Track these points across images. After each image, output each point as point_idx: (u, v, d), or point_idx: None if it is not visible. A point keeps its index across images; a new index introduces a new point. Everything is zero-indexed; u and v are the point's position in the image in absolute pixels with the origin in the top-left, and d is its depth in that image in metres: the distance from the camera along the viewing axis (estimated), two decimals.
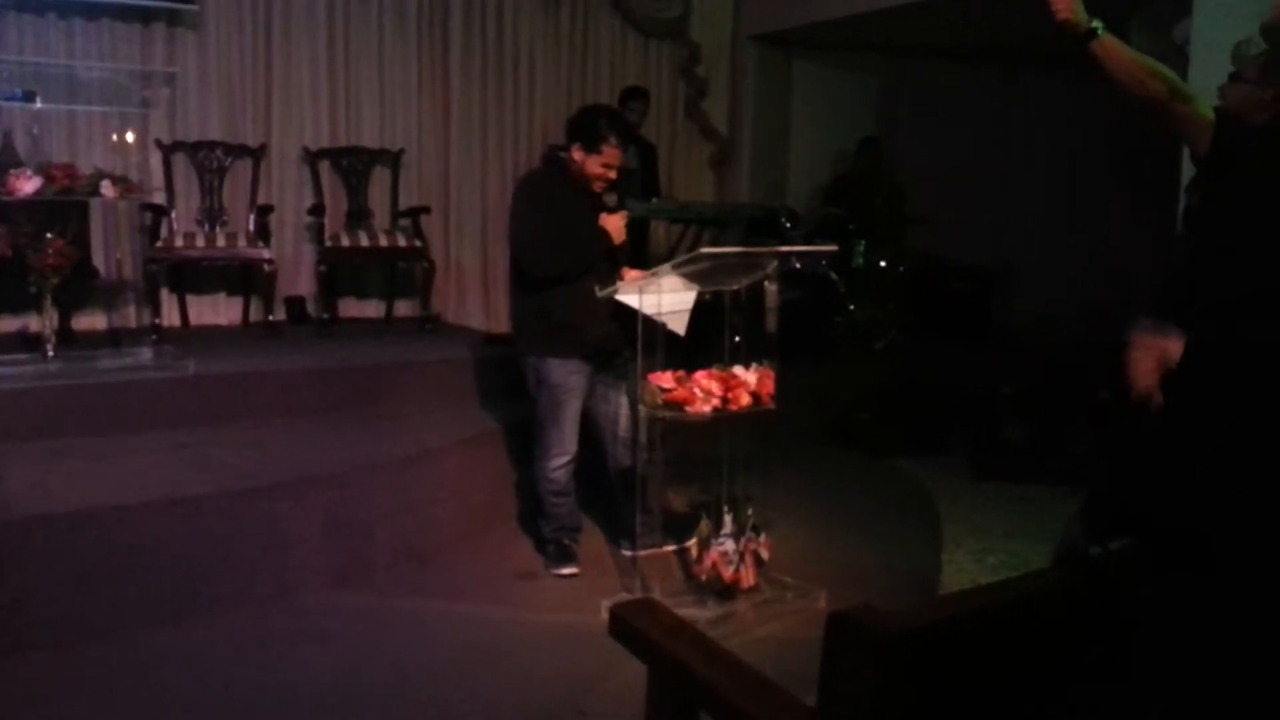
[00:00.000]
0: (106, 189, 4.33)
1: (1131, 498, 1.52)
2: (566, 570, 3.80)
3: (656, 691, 1.79)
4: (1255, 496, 1.20)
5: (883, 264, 6.74)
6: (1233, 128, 1.84)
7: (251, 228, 5.64)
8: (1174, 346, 1.67)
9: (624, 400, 3.82)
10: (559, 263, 3.61)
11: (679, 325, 3.62)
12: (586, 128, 3.66)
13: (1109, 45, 1.98)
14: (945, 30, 6.93)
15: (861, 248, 6.67)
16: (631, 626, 1.80)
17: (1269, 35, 1.40)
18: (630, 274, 3.61)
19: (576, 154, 3.66)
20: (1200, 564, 1.23)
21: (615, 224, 3.69)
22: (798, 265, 3.85)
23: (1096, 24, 1.99)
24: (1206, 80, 3.32)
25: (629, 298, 3.47)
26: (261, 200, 5.76)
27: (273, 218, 5.72)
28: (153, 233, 5.28)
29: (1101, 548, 1.50)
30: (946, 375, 5.98)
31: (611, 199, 3.79)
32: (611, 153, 3.63)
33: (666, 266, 3.41)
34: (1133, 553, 1.43)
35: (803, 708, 1.54)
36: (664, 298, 3.45)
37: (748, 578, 3.44)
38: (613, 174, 3.69)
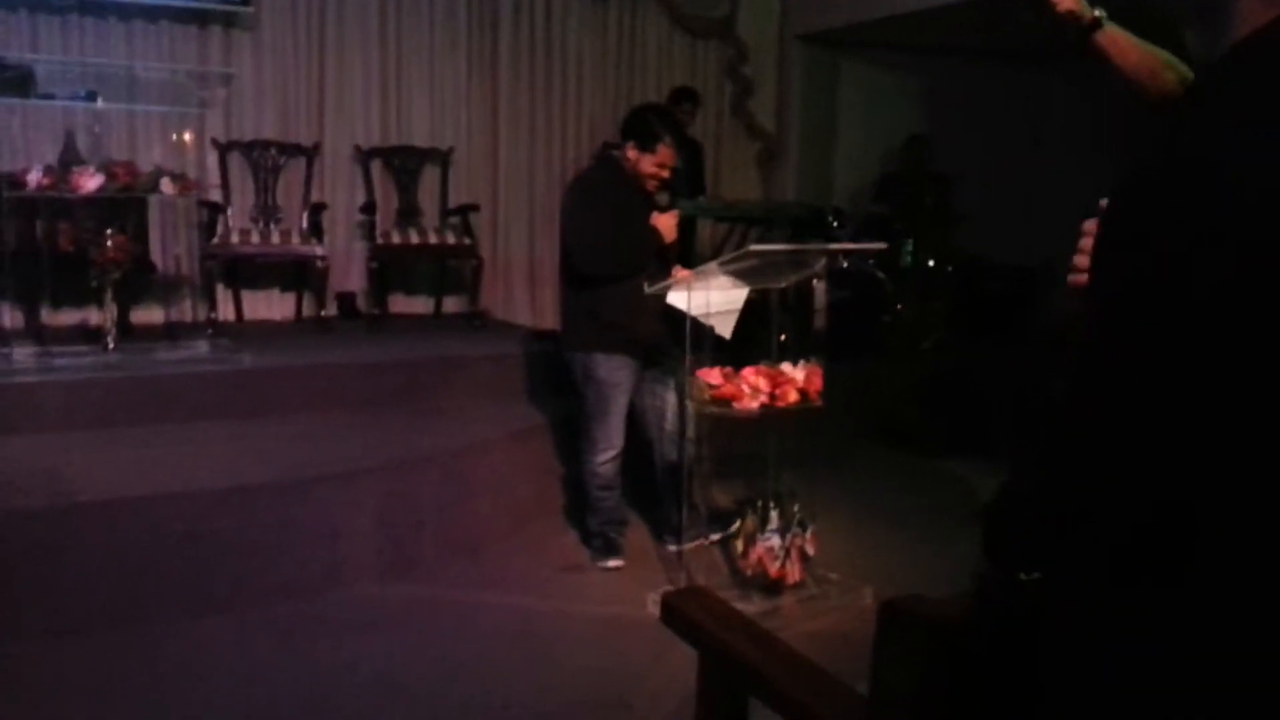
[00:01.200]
0: (166, 186, 4.42)
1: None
2: (612, 563, 3.83)
3: (707, 678, 1.80)
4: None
5: (930, 263, 6.69)
6: None
7: (305, 225, 5.74)
8: None
9: (671, 396, 3.84)
10: (614, 262, 3.64)
11: (725, 327, 3.63)
12: (641, 127, 3.69)
13: (1115, 37, 1.87)
14: (988, 30, 6.85)
15: (909, 246, 6.63)
16: (683, 613, 1.81)
17: None
18: (681, 273, 3.63)
19: (630, 153, 3.68)
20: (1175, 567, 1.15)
21: (667, 223, 3.71)
22: (845, 264, 3.85)
23: (1100, 13, 1.89)
24: None
25: (678, 299, 3.48)
26: (314, 198, 5.85)
27: (325, 215, 5.81)
28: (209, 229, 5.39)
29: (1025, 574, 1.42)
30: (992, 375, 5.92)
31: (664, 198, 3.81)
32: (665, 152, 3.65)
33: (714, 264, 3.42)
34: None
35: (855, 695, 1.54)
36: (713, 296, 3.46)
37: (793, 573, 3.44)
38: (666, 173, 3.71)
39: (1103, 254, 1.02)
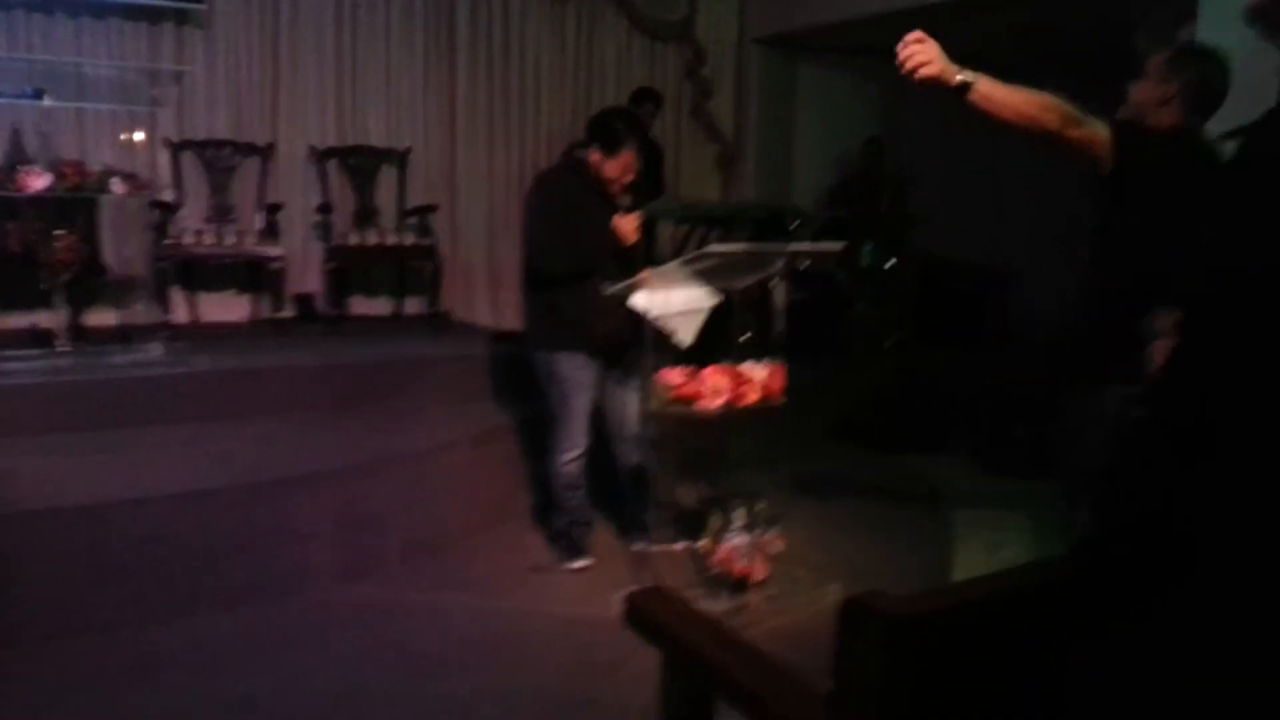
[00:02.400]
0: (116, 186, 4.36)
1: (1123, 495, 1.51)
2: (578, 563, 3.82)
3: (670, 678, 1.80)
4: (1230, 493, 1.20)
5: (889, 264, 6.76)
6: (1132, 133, 1.82)
7: (260, 225, 5.67)
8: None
9: (633, 396, 3.84)
10: (572, 262, 3.63)
11: (686, 331, 3.63)
12: (606, 131, 3.69)
13: (986, 91, 1.91)
14: (946, 34, 6.93)
15: (868, 247, 6.69)
16: (646, 613, 1.81)
17: (1252, 18, 1.39)
18: (649, 275, 3.62)
19: (594, 156, 3.68)
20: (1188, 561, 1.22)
21: (628, 225, 3.71)
22: (805, 264, 3.87)
23: (965, 77, 1.91)
24: None
25: (640, 300, 3.48)
26: (270, 198, 5.78)
27: (281, 216, 5.74)
28: (161, 230, 5.30)
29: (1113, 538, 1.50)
30: (953, 373, 6.00)
31: (626, 201, 3.82)
32: (629, 157, 3.66)
33: (676, 263, 3.43)
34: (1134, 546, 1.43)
35: (816, 693, 1.55)
36: (675, 297, 3.46)
37: (759, 571, 3.46)
38: (629, 176, 3.72)
39: None
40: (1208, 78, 2.65)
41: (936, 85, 1.86)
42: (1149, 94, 2.67)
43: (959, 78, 1.86)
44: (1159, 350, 2.44)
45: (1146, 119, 2.60)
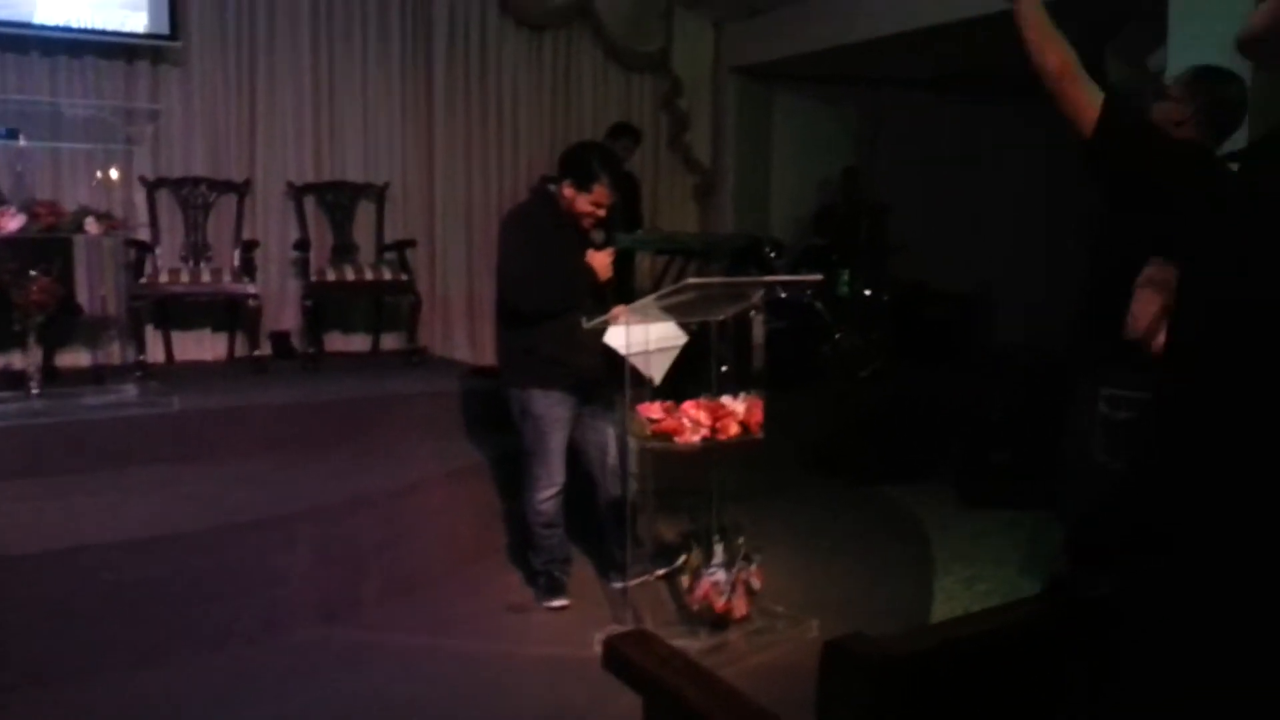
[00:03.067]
0: (91, 226, 4.32)
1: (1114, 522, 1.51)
2: (557, 603, 3.78)
3: None
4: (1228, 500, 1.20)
5: (867, 292, 6.79)
6: (1119, 110, 1.84)
7: (236, 263, 5.64)
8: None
9: (612, 431, 3.82)
10: (544, 298, 3.62)
11: (659, 370, 3.63)
12: (578, 165, 3.68)
13: (1025, 9, 1.99)
14: (921, 62, 7.03)
15: (846, 276, 6.72)
16: (625, 657, 1.79)
17: (1245, 49, 1.42)
18: (622, 311, 3.62)
19: (567, 190, 3.68)
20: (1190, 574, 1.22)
21: (602, 260, 3.70)
22: (783, 295, 3.88)
23: None
24: None
25: (615, 338, 3.47)
26: (246, 235, 5.76)
27: (258, 253, 5.71)
28: (137, 269, 5.27)
29: (1092, 579, 1.50)
30: (931, 401, 6.01)
31: (599, 236, 3.82)
32: (601, 192, 3.65)
33: (651, 298, 3.42)
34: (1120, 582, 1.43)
35: None
36: (651, 332, 3.46)
37: (740, 608, 3.43)
38: (602, 212, 3.71)
39: None
40: (1224, 99, 2.70)
41: None
42: (1166, 115, 2.71)
43: None
44: (1138, 307, 2.44)
45: None
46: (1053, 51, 1.91)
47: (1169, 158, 1.83)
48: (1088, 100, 1.87)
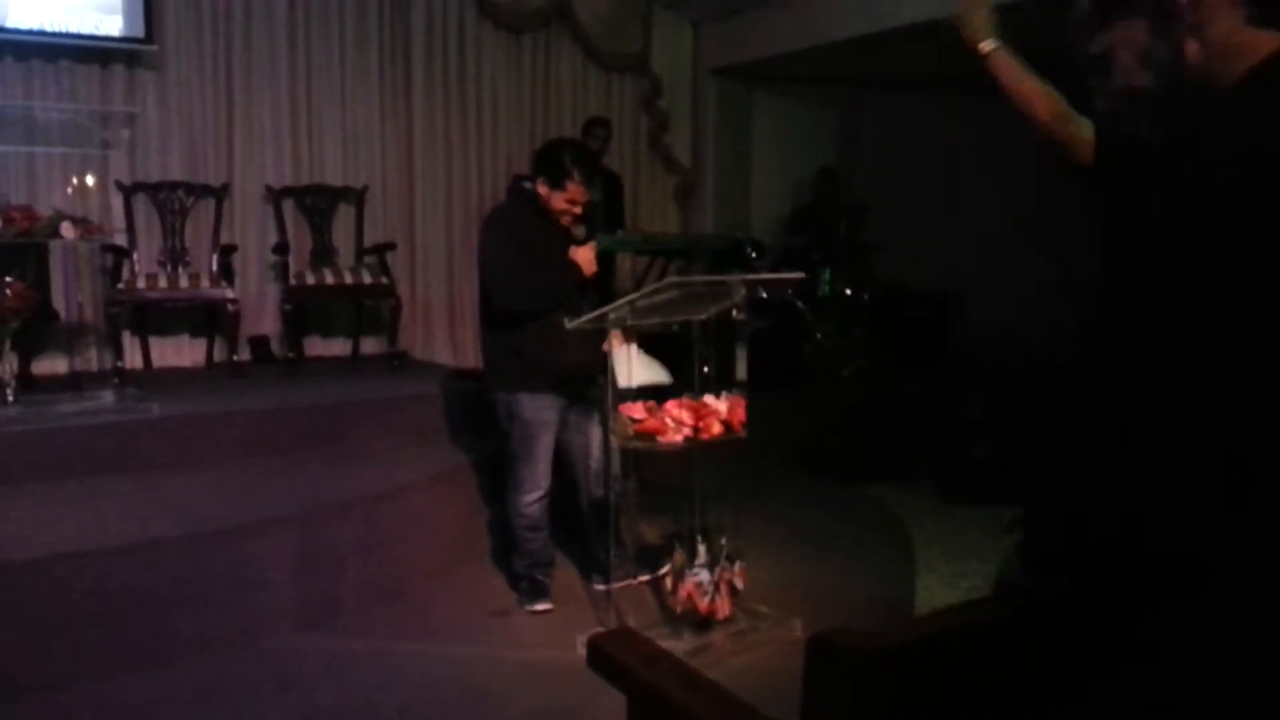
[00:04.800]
0: (66, 230, 4.28)
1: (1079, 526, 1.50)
2: (540, 606, 3.76)
3: None
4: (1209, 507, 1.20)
5: (847, 291, 6.81)
6: (1112, 139, 1.89)
7: (214, 268, 5.59)
8: None
9: (596, 432, 3.80)
10: (531, 297, 3.59)
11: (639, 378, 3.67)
12: (551, 163, 3.66)
13: (998, 65, 2.01)
14: (897, 61, 7.05)
15: (826, 276, 6.73)
16: (610, 657, 1.78)
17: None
18: (615, 337, 3.60)
19: (541, 188, 3.66)
20: (1185, 587, 1.21)
21: (585, 256, 3.69)
22: (764, 294, 3.88)
23: (988, 46, 2.02)
24: None
25: (620, 362, 3.49)
26: (224, 240, 5.72)
27: (236, 257, 5.68)
28: (114, 274, 5.22)
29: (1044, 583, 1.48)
30: (911, 400, 6.03)
31: (580, 231, 3.80)
32: (575, 189, 3.63)
33: (633, 297, 3.41)
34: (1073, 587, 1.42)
35: None
36: (636, 374, 3.51)
37: (723, 608, 3.42)
38: (577, 209, 3.69)
39: None
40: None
41: (969, 48, 1.95)
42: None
43: (983, 45, 1.95)
44: None
45: None
46: (1037, 101, 1.94)
47: (1170, 158, 1.85)
48: (1083, 136, 1.91)
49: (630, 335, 3.50)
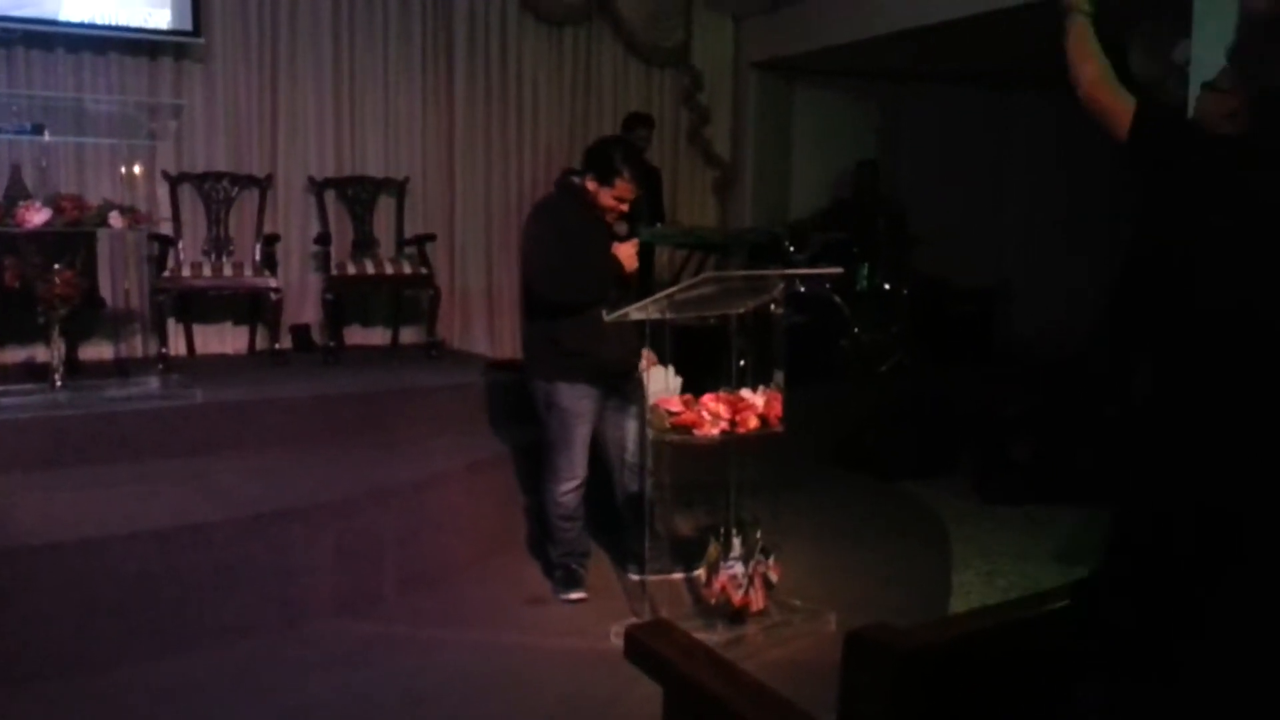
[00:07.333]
0: (114, 220, 4.35)
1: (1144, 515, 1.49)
2: (575, 595, 3.79)
3: (672, 713, 1.78)
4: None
5: (886, 286, 6.76)
6: (1153, 117, 1.90)
7: (258, 257, 5.67)
8: None
9: (633, 424, 3.82)
10: (575, 289, 3.62)
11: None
12: (601, 160, 3.69)
13: (1073, 26, 2.04)
14: (941, 55, 6.99)
15: (865, 270, 6.69)
16: (648, 647, 1.79)
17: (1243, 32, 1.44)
18: (649, 356, 3.62)
19: (590, 184, 3.69)
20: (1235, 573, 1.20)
21: (627, 252, 3.71)
22: (802, 288, 3.87)
23: (1084, 10, 2.04)
24: None
25: (655, 383, 3.53)
26: (268, 230, 5.79)
27: (279, 247, 5.75)
28: (160, 263, 5.31)
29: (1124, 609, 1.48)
30: (951, 396, 5.98)
31: (622, 228, 3.83)
32: (624, 186, 3.66)
33: (671, 291, 3.42)
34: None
35: None
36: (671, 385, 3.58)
37: (757, 601, 3.43)
38: (625, 206, 3.72)
39: None
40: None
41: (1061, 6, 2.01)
42: (1217, 106, 2.67)
43: (1079, 3, 2.00)
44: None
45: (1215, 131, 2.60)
46: (1088, 63, 1.97)
47: (1204, 153, 1.84)
48: (1122, 106, 1.92)
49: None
